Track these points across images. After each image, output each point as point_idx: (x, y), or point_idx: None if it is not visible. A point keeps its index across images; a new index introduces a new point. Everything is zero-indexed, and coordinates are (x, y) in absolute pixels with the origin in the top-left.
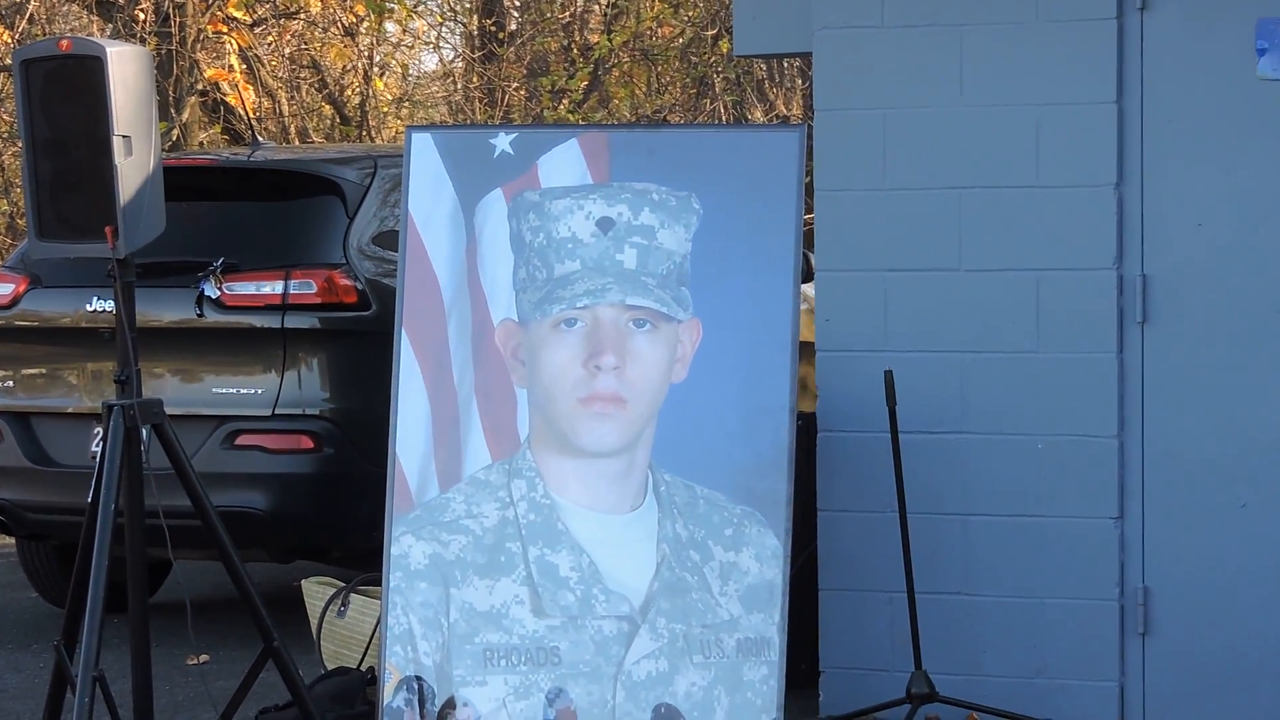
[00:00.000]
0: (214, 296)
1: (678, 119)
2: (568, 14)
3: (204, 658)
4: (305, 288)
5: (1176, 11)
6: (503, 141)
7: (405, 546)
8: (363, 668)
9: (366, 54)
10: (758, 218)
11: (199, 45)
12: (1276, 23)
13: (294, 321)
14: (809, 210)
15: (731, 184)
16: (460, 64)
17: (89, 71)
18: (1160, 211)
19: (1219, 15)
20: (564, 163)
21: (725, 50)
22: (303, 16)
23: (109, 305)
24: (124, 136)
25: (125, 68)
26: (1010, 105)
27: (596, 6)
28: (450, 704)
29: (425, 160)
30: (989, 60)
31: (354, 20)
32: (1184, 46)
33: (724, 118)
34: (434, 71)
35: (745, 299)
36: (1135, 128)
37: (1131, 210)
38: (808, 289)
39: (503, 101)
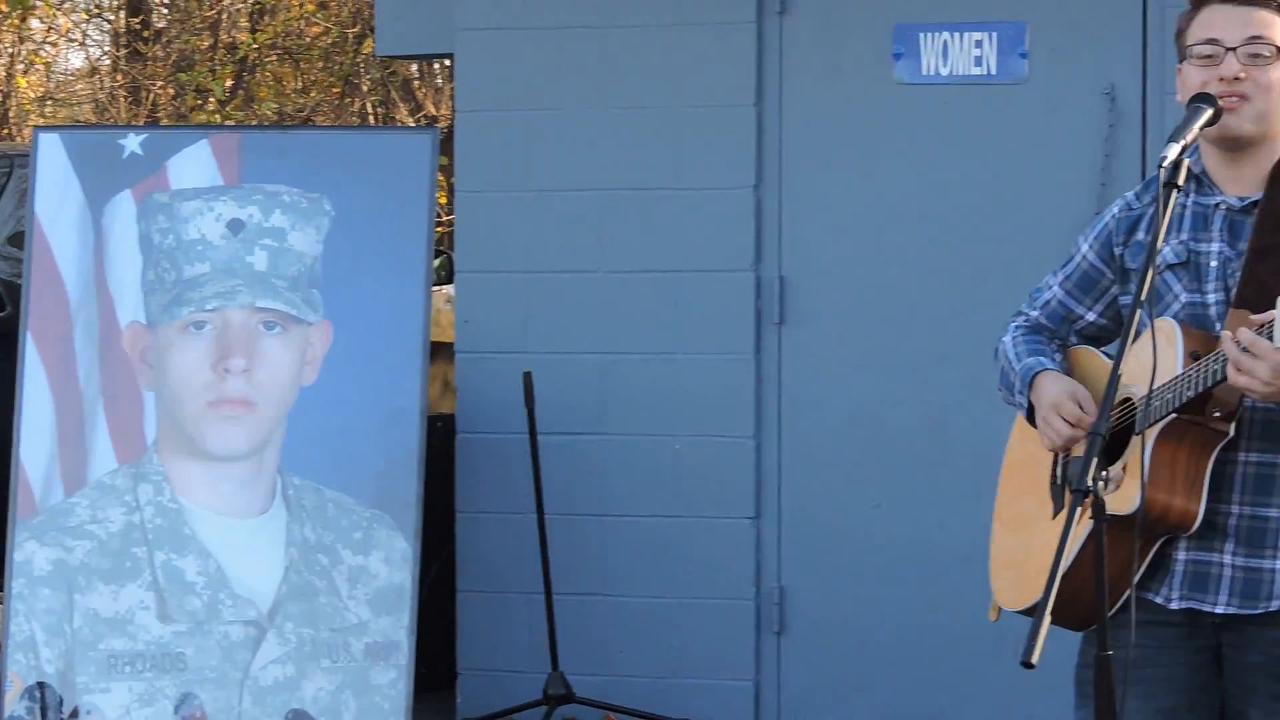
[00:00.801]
0: None
1: (324, 119)
2: (214, 12)
3: None
4: None
5: (815, 16)
6: (132, 142)
7: (29, 553)
8: None
9: (9, 51)
10: (390, 220)
11: None
12: (912, 28)
13: None
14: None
15: (364, 186)
16: (107, 62)
17: None
18: (798, 214)
19: (856, 21)
20: (194, 164)
21: (370, 50)
22: None
23: None
24: None
25: None
26: (651, 107)
27: (243, 5)
28: (75, 712)
29: (53, 160)
30: (630, 62)
31: None
32: (822, 51)
33: (370, 118)
34: (80, 69)
35: (376, 301)
36: (774, 131)
37: (770, 213)
38: (451, 290)
39: (148, 100)
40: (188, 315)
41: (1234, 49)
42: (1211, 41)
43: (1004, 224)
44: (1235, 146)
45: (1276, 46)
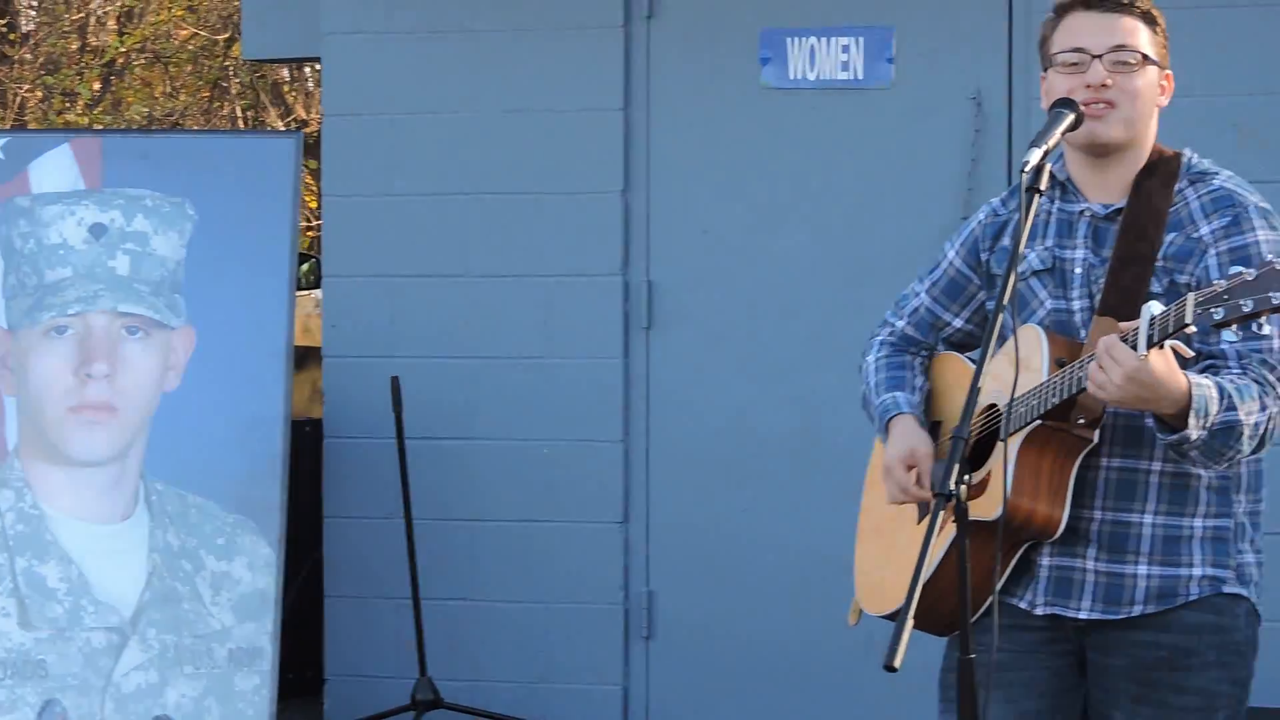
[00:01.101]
0: None
1: (193, 123)
2: (82, 15)
3: None
4: None
5: (682, 21)
6: None
7: None
8: None
9: None
10: (253, 224)
11: None
12: (779, 34)
13: None
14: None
15: (227, 190)
16: None
17: None
18: (666, 218)
19: (723, 25)
20: (56, 168)
21: (239, 54)
22: None
23: None
24: None
25: None
26: (519, 111)
27: (111, 8)
28: None
29: None
30: (499, 66)
31: None
32: (690, 55)
33: (240, 122)
34: None
35: (240, 306)
36: (642, 135)
37: (637, 217)
38: (319, 294)
39: (15, 104)
40: (49, 320)
41: (1100, 56)
42: (1078, 49)
43: (872, 229)
44: (1103, 153)
45: (1142, 54)
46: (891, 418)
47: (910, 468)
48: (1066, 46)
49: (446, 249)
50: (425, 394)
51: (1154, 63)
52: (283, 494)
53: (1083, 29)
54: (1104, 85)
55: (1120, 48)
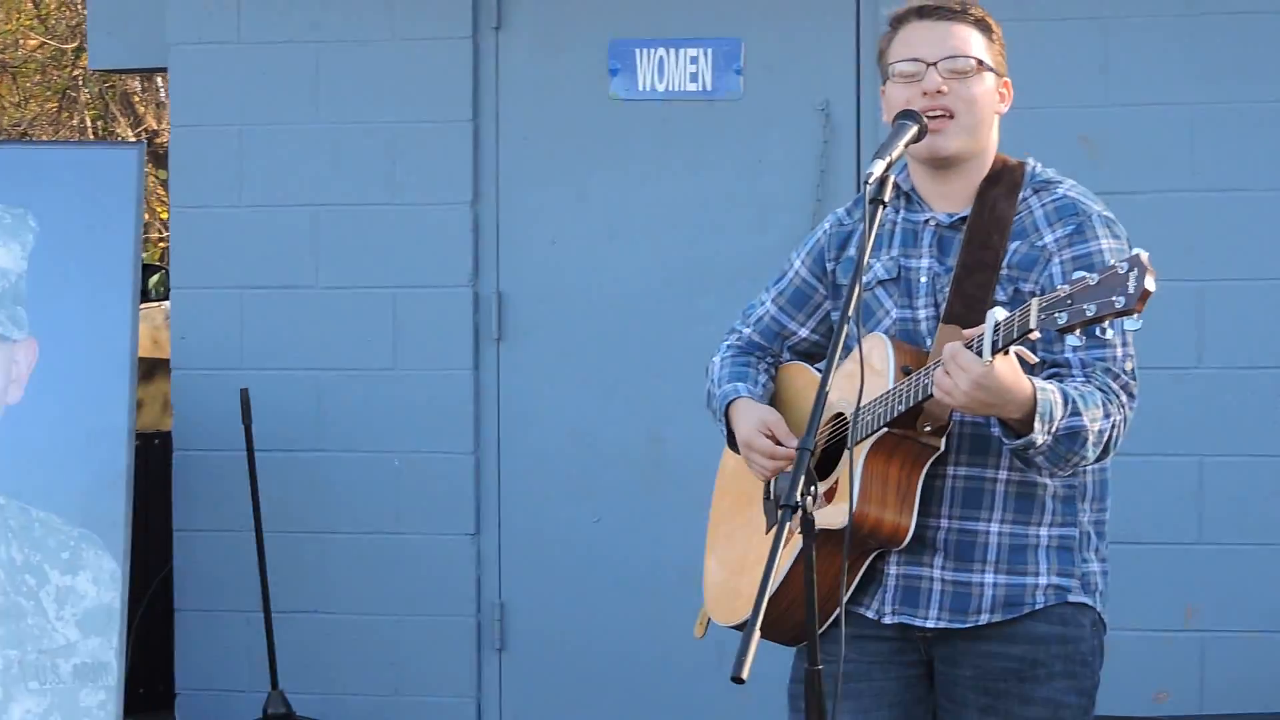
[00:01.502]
0: None
1: (42, 133)
2: None
3: None
4: None
5: (531, 31)
6: None
7: None
8: None
9: None
10: (96, 235)
11: None
12: (628, 45)
13: None
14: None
15: (70, 201)
16: None
17: None
18: (515, 229)
19: (572, 36)
20: None
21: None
22: None
23: None
24: None
25: None
26: (367, 123)
27: None
28: None
29: None
30: (345, 78)
31: None
32: (538, 66)
33: (90, 133)
34: None
35: (83, 318)
36: (491, 146)
37: (487, 228)
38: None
39: None
40: None
41: (935, 64)
42: (913, 59)
43: (721, 240)
44: (945, 165)
45: (977, 60)
46: (731, 402)
47: (768, 435)
48: (902, 57)
49: (296, 260)
50: (275, 406)
51: (990, 69)
52: (127, 508)
53: (918, 39)
54: (940, 92)
55: (955, 55)
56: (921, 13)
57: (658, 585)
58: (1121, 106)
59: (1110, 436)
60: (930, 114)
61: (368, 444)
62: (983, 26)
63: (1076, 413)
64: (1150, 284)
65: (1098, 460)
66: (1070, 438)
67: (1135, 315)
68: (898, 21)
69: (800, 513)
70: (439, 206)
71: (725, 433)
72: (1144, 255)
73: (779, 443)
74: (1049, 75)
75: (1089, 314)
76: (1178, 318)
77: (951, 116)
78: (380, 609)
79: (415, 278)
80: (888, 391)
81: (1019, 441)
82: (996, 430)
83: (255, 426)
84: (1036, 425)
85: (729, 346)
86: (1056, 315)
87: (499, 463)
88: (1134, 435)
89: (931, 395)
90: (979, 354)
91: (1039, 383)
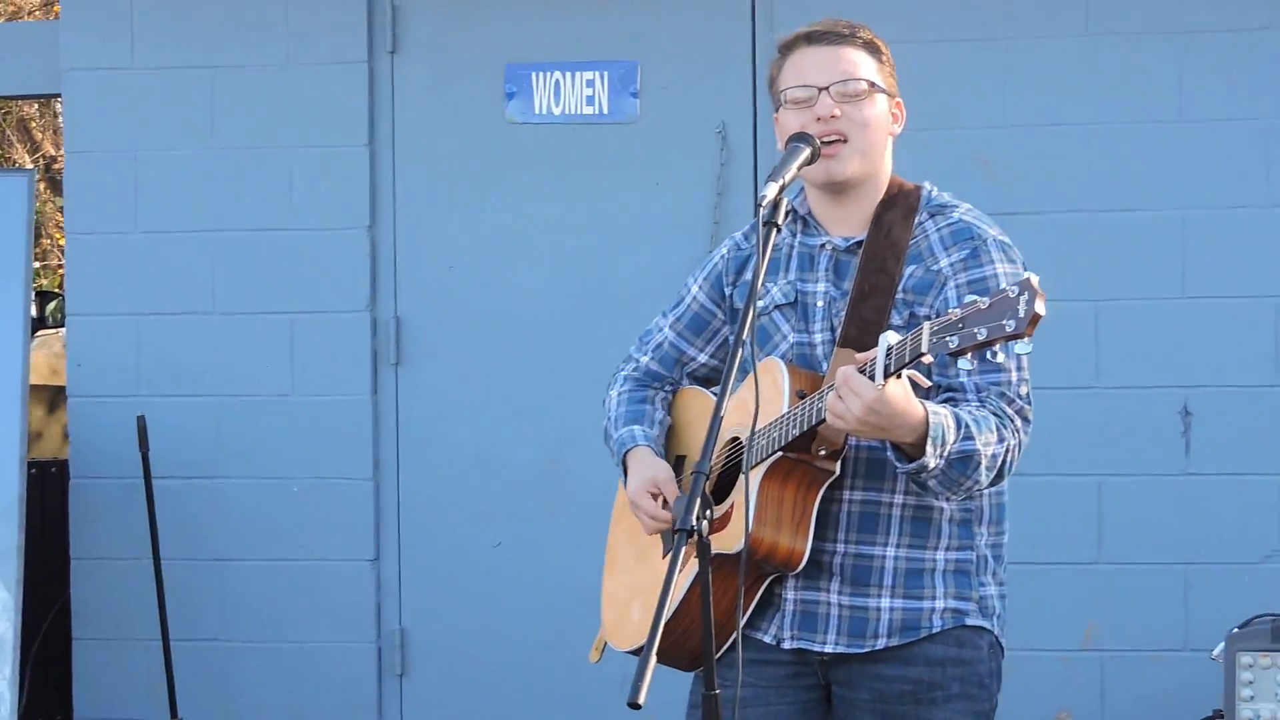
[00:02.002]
0: None
1: None
2: None
3: None
4: None
5: (426, 55)
6: None
7: None
8: None
9: None
10: None
11: None
12: (524, 68)
13: None
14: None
15: None
16: None
17: None
18: (413, 254)
19: (468, 60)
20: None
21: None
22: None
23: None
24: None
25: None
26: (263, 148)
27: None
28: None
29: None
30: (241, 103)
31: None
32: (435, 90)
33: None
34: None
35: None
36: (388, 171)
37: (385, 253)
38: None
39: None
40: None
41: (826, 88)
42: (804, 85)
43: (618, 263)
44: (841, 189)
45: (868, 82)
46: (628, 451)
47: (655, 495)
48: (794, 83)
49: (192, 286)
50: (173, 432)
51: (883, 90)
52: (20, 537)
53: (808, 64)
54: (833, 116)
55: (846, 78)
56: (810, 38)
57: (560, 609)
58: (1019, 127)
59: (1004, 460)
60: (824, 139)
61: (266, 470)
62: (872, 49)
63: (969, 437)
64: (1040, 307)
65: (992, 484)
66: (963, 462)
67: (1026, 339)
68: (786, 48)
69: (695, 537)
70: (336, 231)
71: (622, 477)
72: (1034, 279)
73: (665, 505)
74: (947, 96)
75: (980, 338)
76: (1075, 338)
77: (845, 140)
78: (280, 636)
79: (313, 303)
80: (783, 416)
81: (911, 465)
82: (889, 451)
83: (153, 453)
84: (928, 449)
85: (626, 378)
86: (948, 339)
87: (399, 487)
88: (1033, 455)
89: (826, 419)
90: (871, 378)
91: (931, 406)
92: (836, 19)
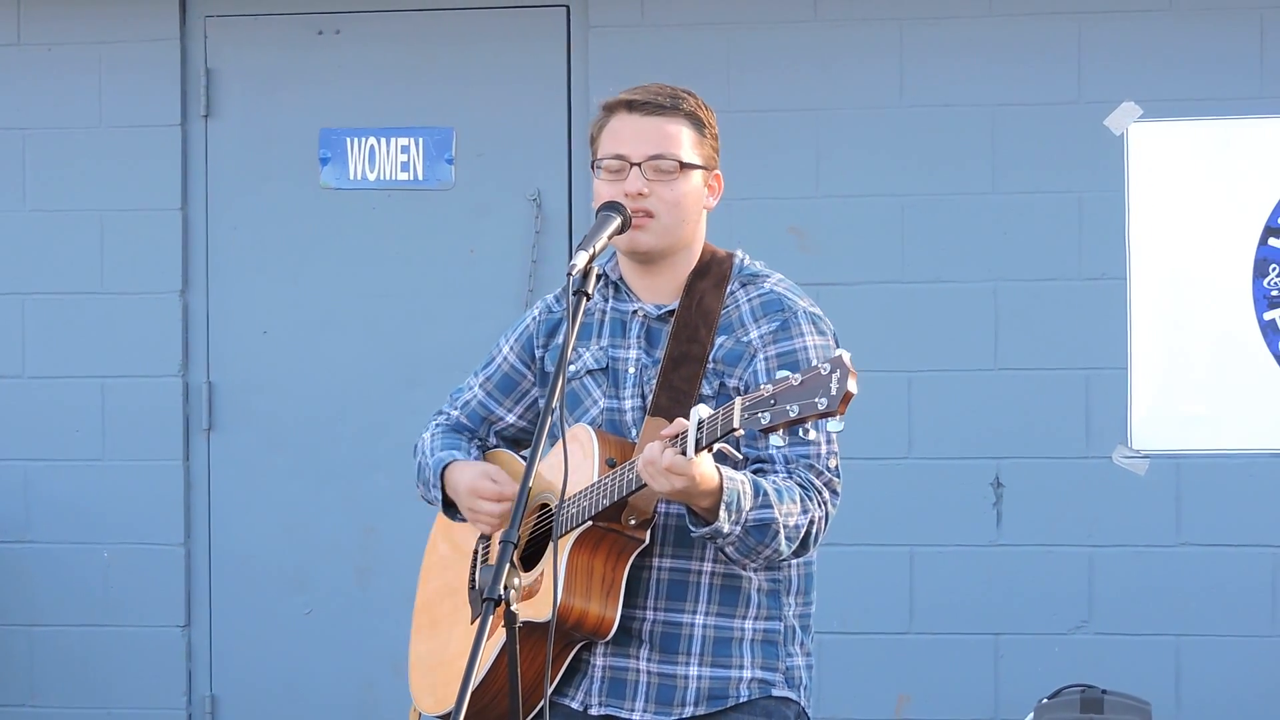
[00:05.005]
0: None
1: None
2: None
3: None
4: None
5: (241, 120)
6: None
7: None
8: None
9: None
10: None
11: None
12: (338, 133)
13: None
14: None
15: None
16: None
17: None
18: (226, 318)
19: (283, 125)
20: None
21: None
22: None
23: None
24: None
25: None
26: (74, 210)
27: None
28: None
29: None
30: (53, 165)
31: None
32: (249, 155)
33: None
34: None
35: None
36: (200, 234)
37: (197, 317)
38: None
39: None
40: None
41: (638, 164)
42: (618, 156)
43: (434, 329)
44: (648, 259)
45: (680, 161)
46: (447, 465)
47: (494, 481)
48: (609, 153)
49: (2, 348)
50: None
51: (699, 166)
52: None
53: (624, 134)
54: (641, 194)
55: (659, 155)
56: (631, 105)
57: (371, 676)
58: (832, 197)
59: (809, 531)
60: (633, 213)
61: (76, 535)
62: (694, 120)
63: (767, 505)
64: (852, 386)
65: (796, 555)
66: (760, 529)
67: (838, 416)
68: (609, 109)
69: (503, 605)
70: (148, 295)
71: (440, 499)
72: (846, 356)
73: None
74: (761, 166)
75: (792, 414)
76: (888, 408)
77: (652, 216)
78: (91, 701)
79: (124, 367)
80: (593, 484)
81: (706, 529)
82: (685, 515)
83: None
84: (722, 514)
85: (438, 425)
86: (760, 415)
87: (210, 553)
88: (845, 525)
89: (635, 490)
90: (683, 452)
91: (728, 472)
92: (663, 85)
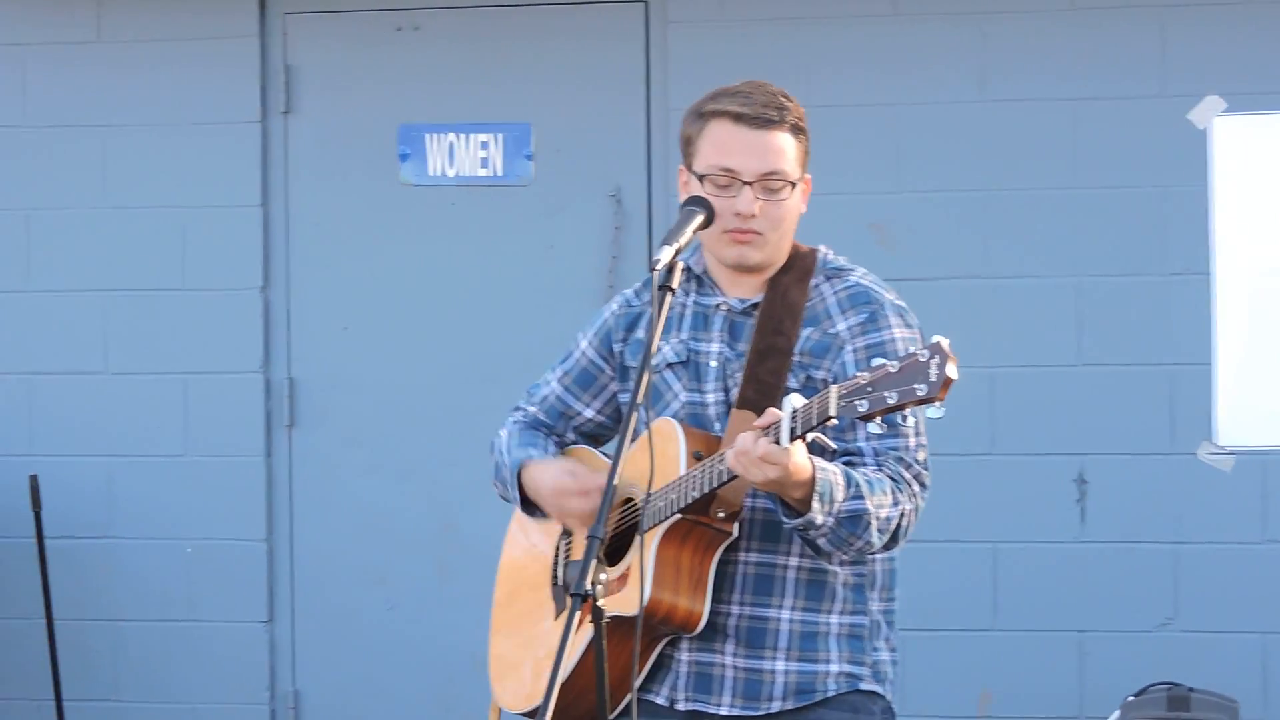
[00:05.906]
0: None
1: None
2: None
3: None
4: None
5: (320, 117)
6: None
7: None
8: None
9: None
10: None
11: None
12: (418, 130)
13: None
14: None
15: None
16: None
17: None
18: (306, 315)
19: (362, 121)
20: None
21: None
22: None
23: None
24: None
25: None
26: (156, 208)
27: None
28: None
29: None
30: (134, 162)
31: None
32: (328, 151)
33: None
34: None
35: None
36: (281, 231)
37: (278, 313)
38: None
39: None
40: None
41: (751, 184)
42: (727, 171)
43: (512, 326)
44: (748, 271)
45: (790, 182)
46: (523, 464)
47: (573, 475)
48: (716, 166)
49: (85, 345)
50: (65, 492)
51: (800, 180)
52: None
53: (733, 147)
54: (752, 216)
55: (771, 173)
56: (739, 118)
57: (451, 672)
58: (913, 193)
59: (899, 524)
60: (740, 230)
61: (159, 530)
62: (797, 130)
63: (859, 496)
64: (952, 371)
65: (886, 548)
66: (852, 520)
67: (938, 403)
68: (713, 115)
69: (590, 600)
70: (229, 292)
71: (518, 498)
72: (945, 343)
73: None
74: (841, 162)
75: (890, 401)
76: (971, 404)
77: (760, 234)
78: (173, 697)
79: (206, 363)
80: (681, 477)
81: (799, 520)
82: (777, 506)
83: (45, 513)
84: (815, 504)
85: (515, 423)
86: (857, 403)
87: (292, 549)
88: (929, 521)
89: (727, 482)
90: (777, 441)
91: (820, 463)
92: (763, 87)
